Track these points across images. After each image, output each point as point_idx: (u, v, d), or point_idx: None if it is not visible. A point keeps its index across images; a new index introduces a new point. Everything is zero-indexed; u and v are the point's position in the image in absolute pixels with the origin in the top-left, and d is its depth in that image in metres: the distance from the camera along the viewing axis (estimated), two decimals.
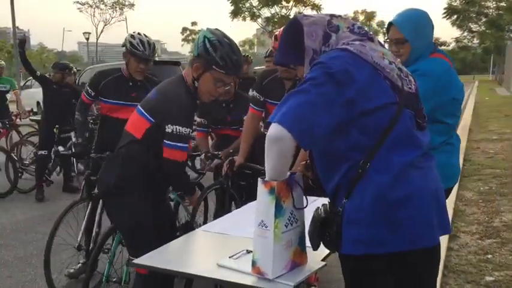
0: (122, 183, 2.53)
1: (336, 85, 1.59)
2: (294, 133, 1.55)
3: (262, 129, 3.68)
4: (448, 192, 2.48)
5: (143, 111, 2.53)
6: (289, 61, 1.90)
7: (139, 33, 3.71)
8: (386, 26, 2.63)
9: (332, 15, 1.81)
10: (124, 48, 3.71)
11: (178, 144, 2.45)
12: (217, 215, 3.48)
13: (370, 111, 1.62)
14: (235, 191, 3.66)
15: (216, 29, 2.53)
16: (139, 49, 3.62)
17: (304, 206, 1.79)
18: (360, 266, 1.67)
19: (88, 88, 3.94)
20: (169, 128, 2.42)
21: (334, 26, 1.77)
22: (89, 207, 3.65)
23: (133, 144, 2.52)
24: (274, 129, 1.57)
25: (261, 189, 1.71)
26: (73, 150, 5.88)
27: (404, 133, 1.65)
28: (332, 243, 1.67)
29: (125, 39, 3.70)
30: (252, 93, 3.59)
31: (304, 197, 1.79)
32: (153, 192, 2.59)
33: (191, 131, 2.52)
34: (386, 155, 1.62)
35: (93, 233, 3.53)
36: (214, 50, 2.41)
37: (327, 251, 1.84)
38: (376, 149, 1.62)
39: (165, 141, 2.45)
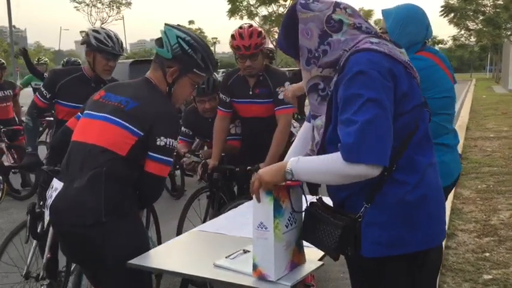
0: (114, 206, 2.04)
1: (390, 99, 1.53)
2: (386, 164, 1.51)
3: (231, 129, 3.64)
4: (445, 191, 2.46)
5: (123, 122, 2.09)
6: (290, 53, 1.76)
7: (102, 28, 3.34)
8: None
9: (335, 7, 1.65)
10: (85, 46, 3.25)
11: (169, 158, 2.14)
12: (206, 220, 3.45)
13: (404, 113, 1.58)
14: (227, 194, 3.65)
15: (178, 24, 2.28)
16: (109, 44, 3.19)
17: (304, 208, 1.76)
18: (377, 267, 1.65)
19: (43, 89, 3.39)
20: (161, 141, 2.08)
21: (335, 25, 1.63)
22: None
23: (115, 161, 2.06)
24: (367, 171, 1.49)
25: None
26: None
27: (425, 133, 1.64)
28: (351, 248, 1.61)
29: (87, 35, 3.24)
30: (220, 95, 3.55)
31: (303, 196, 1.78)
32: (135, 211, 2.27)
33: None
34: (412, 155, 1.60)
35: (44, 259, 2.79)
36: (194, 51, 2.16)
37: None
38: (402, 150, 1.58)
39: (154, 154, 2.10)
